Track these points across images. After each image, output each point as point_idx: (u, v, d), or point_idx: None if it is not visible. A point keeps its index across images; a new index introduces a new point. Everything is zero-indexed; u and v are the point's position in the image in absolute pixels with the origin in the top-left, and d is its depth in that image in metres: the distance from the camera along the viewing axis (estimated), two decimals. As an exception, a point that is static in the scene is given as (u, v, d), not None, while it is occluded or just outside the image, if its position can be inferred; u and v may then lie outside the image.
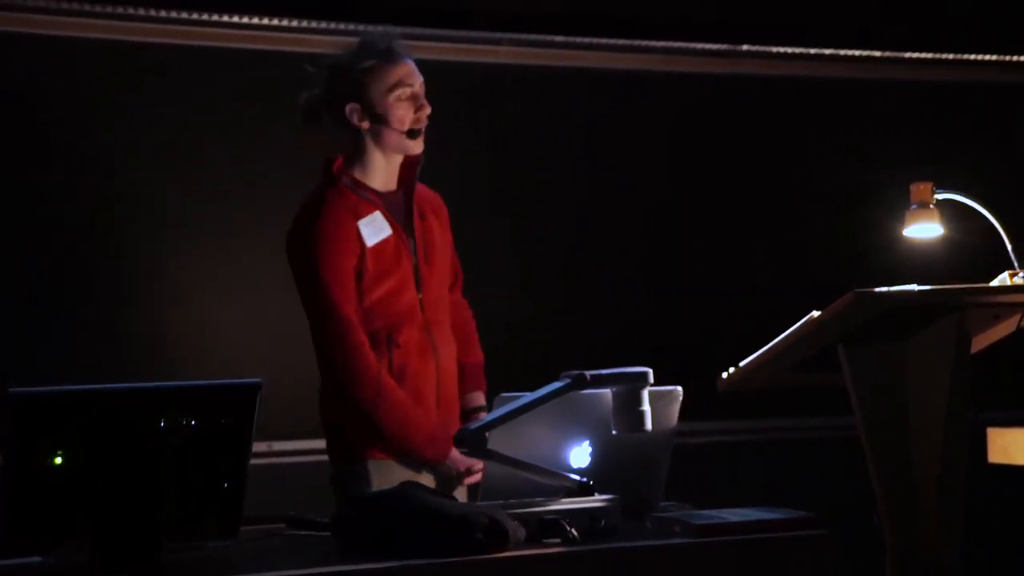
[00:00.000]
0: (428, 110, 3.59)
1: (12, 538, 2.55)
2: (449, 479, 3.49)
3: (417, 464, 3.51)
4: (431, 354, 3.59)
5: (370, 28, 5.04)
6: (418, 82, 3.59)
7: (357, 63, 3.59)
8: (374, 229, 3.55)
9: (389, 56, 3.58)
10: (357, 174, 3.62)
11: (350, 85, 3.59)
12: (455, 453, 3.46)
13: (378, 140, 3.59)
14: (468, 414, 3.66)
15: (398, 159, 3.64)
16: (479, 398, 3.69)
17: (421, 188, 3.71)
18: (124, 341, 4.78)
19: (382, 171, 3.63)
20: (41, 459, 2.54)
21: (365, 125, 3.59)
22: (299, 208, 3.63)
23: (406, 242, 3.59)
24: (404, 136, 3.57)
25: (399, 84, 3.56)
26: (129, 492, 2.58)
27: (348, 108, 3.59)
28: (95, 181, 4.85)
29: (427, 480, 3.48)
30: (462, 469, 3.48)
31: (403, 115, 3.56)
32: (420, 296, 3.59)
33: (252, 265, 4.86)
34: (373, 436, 3.51)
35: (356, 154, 3.63)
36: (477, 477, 3.48)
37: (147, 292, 4.87)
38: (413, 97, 3.57)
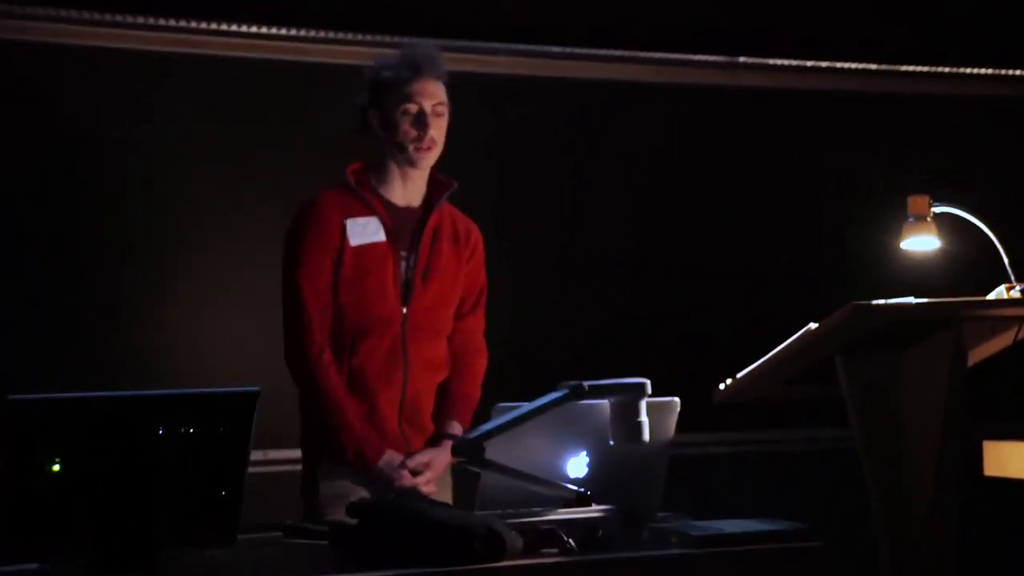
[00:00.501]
0: (432, 132, 3.59)
1: (10, 545, 2.55)
2: (378, 489, 3.48)
3: (356, 471, 3.51)
4: (399, 368, 3.58)
5: (375, 38, 5.11)
6: (431, 102, 3.59)
7: (381, 73, 3.64)
8: (363, 231, 3.58)
9: (410, 69, 3.60)
10: (373, 181, 3.64)
11: (374, 93, 3.64)
12: (386, 462, 3.49)
13: (390, 151, 3.62)
14: (433, 439, 3.62)
15: (417, 177, 3.65)
16: (454, 427, 3.63)
17: (453, 213, 3.73)
18: (123, 349, 4.77)
19: (398, 184, 3.65)
20: (39, 466, 2.53)
21: (381, 134, 3.63)
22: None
23: (401, 254, 3.60)
24: (396, 150, 3.60)
25: (408, 98, 3.58)
26: (127, 499, 2.58)
27: (371, 115, 3.64)
28: (96, 188, 4.85)
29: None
30: (392, 481, 3.48)
31: (406, 130, 3.58)
32: (405, 310, 3.59)
33: (250, 273, 4.85)
34: (323, 442, 3.55)
35: (377, 162, 3.66)
36: (424, 488, 3.49)
37: (145, 300, 4.86)
38: (418, 115, 3.58)
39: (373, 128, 3.64)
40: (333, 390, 3.53)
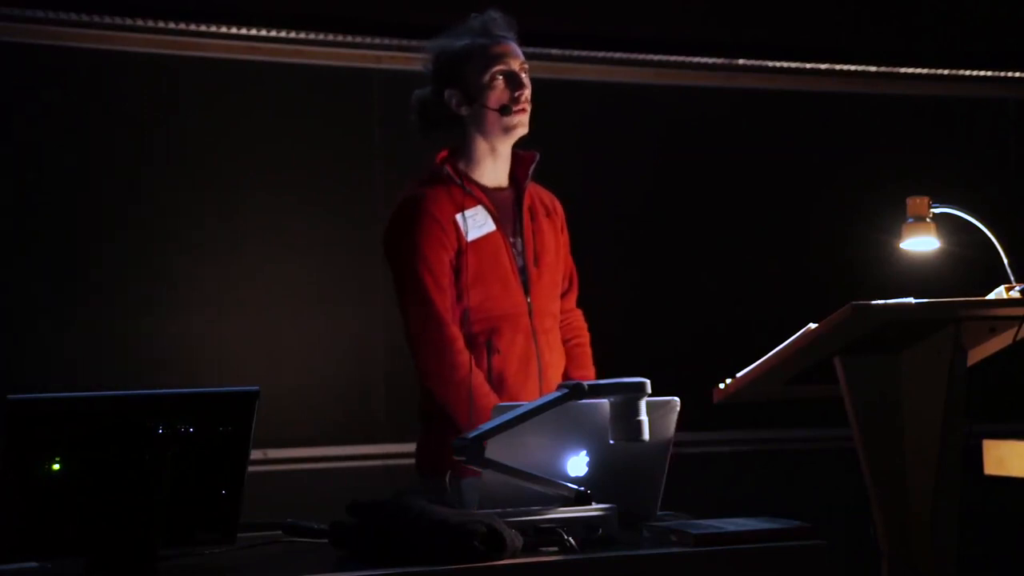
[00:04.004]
0: (527, 90, 3.44)
1: (9, 544, 2.55)
2: None
3: None
4: (535, 364, 3.48)
5: (377, 41, 5.11)
6: (517, 62, 3.45)
7: (453, 44, 3.47)
8: (475, 223, 3.42)
9: (484, 35, 3.46)
10: (462, 167, 3.48)
11: (448, 69, 3.47)
12: None
13: (479, 126, 3.46)
14: None
15: (506, 152, 3.51)
16: None
17: (536, 188, 3.59)
18: (123, 349, 4.78)
19: (489, 164, 3.50)
20: (39, 465, 2.54)
21: (464, 111, 3.46)
22: (399, 200, 3.50)
23: (511, 241, 3.48)
24: (497, 114, 3.43)
25: (495, 62, 3.43)
26: (127, 499, 2.58)
27: (447, 94, 3.47)
28: (96, 189, 4.85)
29: None
30: None
31: (499, 95, 3.43)
32: (528, 300, 3.48)
33: (252, 273, 4.87)
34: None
35: (462, 147, 3.50)
36: None
37: (146, 301, 4.87)
38: (510, 76, 3.44)
39: (452, 109, 3.46)
40: (489, 398, 3.35)
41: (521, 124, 3.47)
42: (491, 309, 3.43)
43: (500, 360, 3.43)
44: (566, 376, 3.60)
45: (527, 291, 3.48)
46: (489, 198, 3.48)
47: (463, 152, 3.51)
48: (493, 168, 3.52)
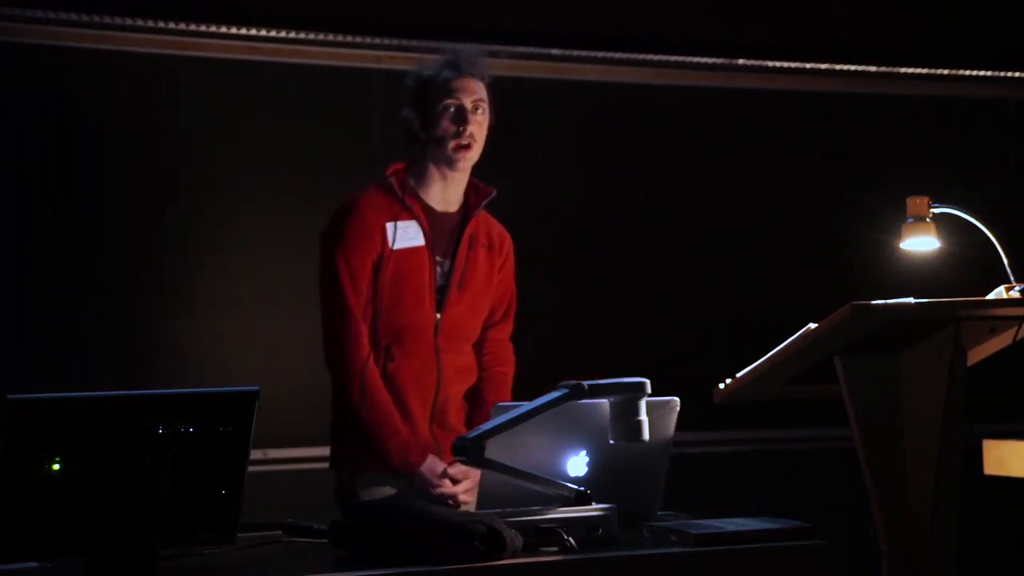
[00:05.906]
0: (471, 128, 3.55)
1: (10, 544, 2.55)
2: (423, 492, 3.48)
3: (398, 477, 3.50)
4: (433, 373, 3.57)
5: (378, 41, 5.11)
6: (470, 98, 3.57)
7: (421, 73, 3.63)
8: (404, 234, 3.54)
9: (451, 68, 3.58)
10: (412, 183, 3.61)
11: (414, 95, 3.62)
12: (428, 467, 3.47)
13: (431, 151, 3.59)
14: None
15: (458, 180, 3.62)
16: None
17: (489, 222, 3.71)
18: (123, 349, 4.78)
19: (438, 187, 3.62)
20: (39, 465, 2.54)
21: (422, 135, 3.60)
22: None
23: (437, 260, 3.58)
24: (436, 147, 3.57)
25: (448, 94, 3.56)
26: (127, 499, 2.58)
27: (412, 117, 3.61)
28: (96, 190, 4.85)
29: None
30: (432, 487, 3.47)
31: (445, 126, 3.56)
32: (439, 317, 3.57)
33: (251, 274, 4.86)
34: (366, 447, 3.51)
35: (418, 165, 3.63)
36: (461, 497, 3.48)
37: (146, 301, 4.87)
38: (457, 110, 3.55)
39: (414, 130, 3.61)
40: (380, 394, 3.50)
41: (459, 162, 3.58)
42: (398, 316, 3.55)
43: (394, 367, 3.55)
44: (480, 397, 3.68)
45: (439, 308, 3.58)
46: (427, 216, 3.59)
47: (415, 169, 3.63)
48: (442, 192, 3.63)
